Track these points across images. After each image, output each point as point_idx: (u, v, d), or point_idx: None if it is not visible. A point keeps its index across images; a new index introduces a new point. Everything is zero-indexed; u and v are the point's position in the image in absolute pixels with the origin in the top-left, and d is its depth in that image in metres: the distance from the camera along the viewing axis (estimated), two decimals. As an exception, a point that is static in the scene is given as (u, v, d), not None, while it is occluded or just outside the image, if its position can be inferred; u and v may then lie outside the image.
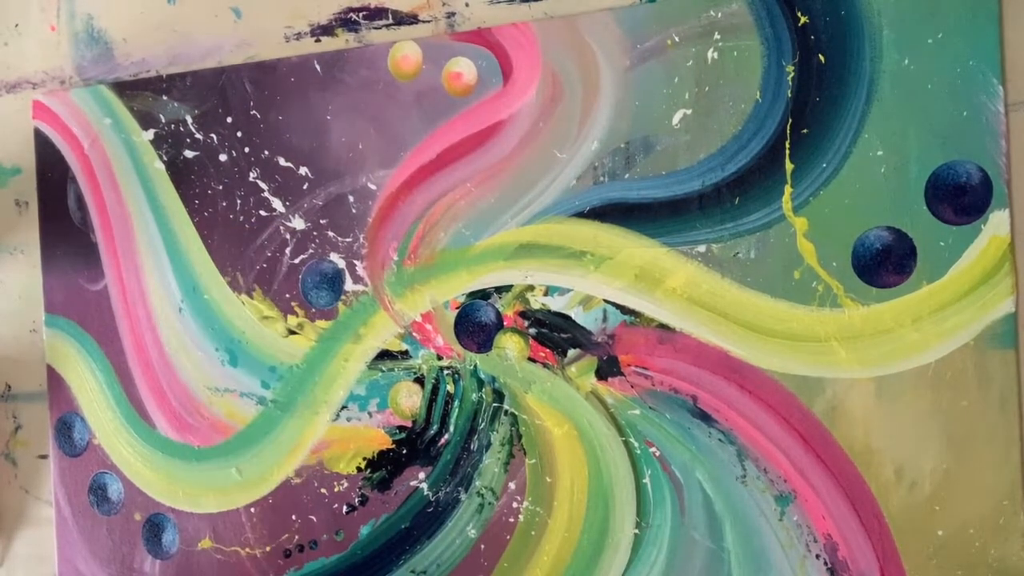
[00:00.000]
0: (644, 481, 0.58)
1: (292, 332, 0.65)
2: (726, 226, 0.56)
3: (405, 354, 0.63)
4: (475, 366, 0.62)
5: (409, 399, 0.63)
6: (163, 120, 0.68)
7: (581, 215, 0.59)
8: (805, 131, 0.55)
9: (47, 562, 0.71)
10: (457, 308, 0.62)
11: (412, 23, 0.63)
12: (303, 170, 0.64)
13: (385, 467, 0.63)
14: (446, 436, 0.62)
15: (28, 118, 0.72)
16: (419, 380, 0.63)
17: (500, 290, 0.61)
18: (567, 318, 0.60)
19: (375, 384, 0.63)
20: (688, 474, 0.58)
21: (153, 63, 0.69)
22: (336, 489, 0.64)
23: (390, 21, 0.64)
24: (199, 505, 0.67)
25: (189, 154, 0.67)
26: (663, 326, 0.58)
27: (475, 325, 0.61)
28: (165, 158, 0.68)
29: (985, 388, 0.52)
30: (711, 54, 0.57)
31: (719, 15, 0.56)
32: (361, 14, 0.64)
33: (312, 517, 0.65)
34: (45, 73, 0.72)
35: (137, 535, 0.68)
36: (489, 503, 0.61)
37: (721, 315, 0.57)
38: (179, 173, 0.68)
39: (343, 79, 0.63)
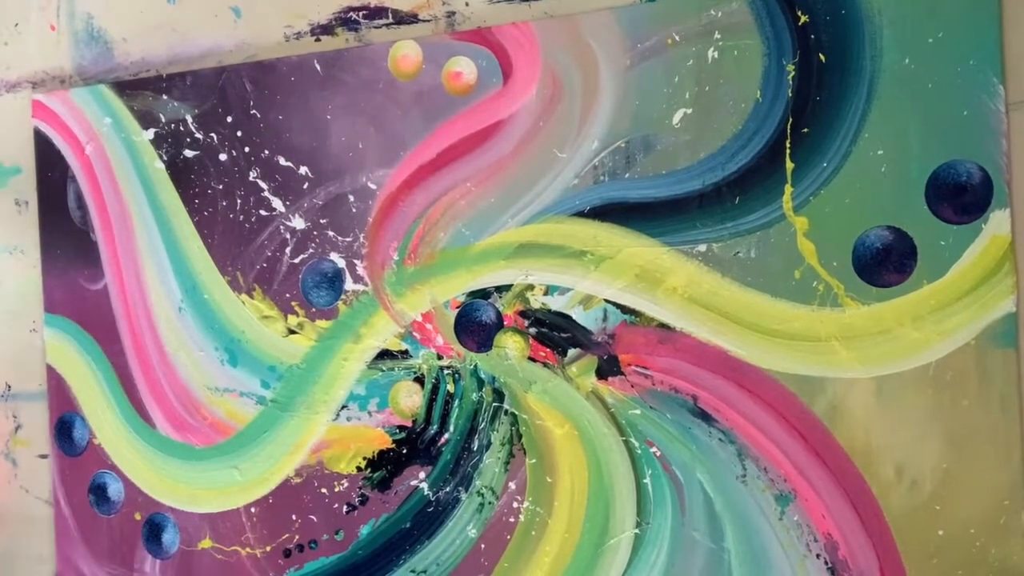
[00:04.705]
0: (644, 481, 0.58)
1: (292, 332, 0.65)
2: (726, 225, 0.56)
3: (405, 354, 0.63)
4: (475, 366, 0.61)
5: (409, 399, 0.63)
6: (163, 120, 0.68)
7: (581, 214, 0.59)
8: (805, 130, 0.55)
9: (47, 562, 0.71)
10: (457, 307, 0.62)
11: (412, 22, 0.63)
12: (303, 170, 0.64)
13: (385, 467, 0.63)
14: (446, 436, 0.62)
15: (28, 118, 0.72)
16: (419, 380, 0.63)
17: (500, 289, 0.61)
18: (567, 317, 0.60)
19: (375, 384, 0.63)
20: (688, 474, 0.57)
21: (153, 63, 0.69)
22: (336, 489, 0.64)
23: (390, 20, 0.64)
24: (199, 505, 0.67)
25: (189, 154, 0.67)
26: (663, 326, 0.58)
27: (475, 324, 0.61)
28: (165, 158, 0.68)
29: (986, 387, 0.52)
30: (711, 53, 0.57)
31: (719, 14, 0.56)
32: (361, 13, 0.64)
33: (312, 517, 0.65)
34: (45, 72, 0.72)
35: (137, 535, 0.68)
36: (489, 503, 0.61)
37: (721, 315, 0.57)
38: (179, 173, 0.68)
39: (343, 78, 0.63)
